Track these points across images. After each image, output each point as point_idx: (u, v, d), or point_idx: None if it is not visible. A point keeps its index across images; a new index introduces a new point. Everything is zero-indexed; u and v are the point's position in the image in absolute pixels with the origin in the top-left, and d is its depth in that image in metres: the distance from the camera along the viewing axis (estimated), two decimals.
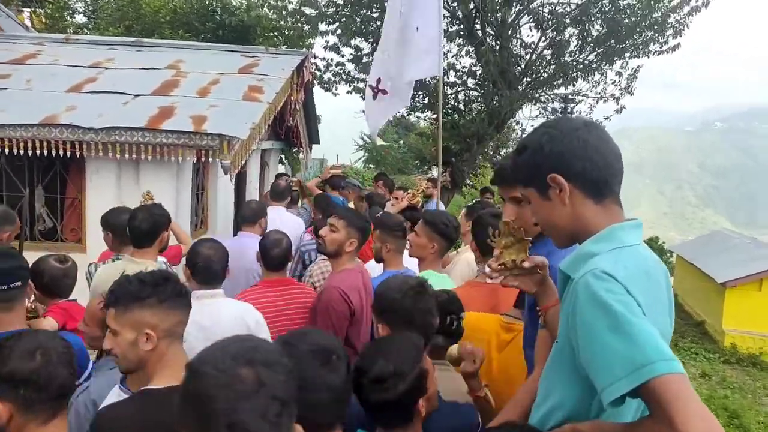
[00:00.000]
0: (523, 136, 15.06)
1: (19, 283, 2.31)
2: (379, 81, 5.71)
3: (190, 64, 7.09)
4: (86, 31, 15.16)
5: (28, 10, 14.92)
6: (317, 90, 13.08)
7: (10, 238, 3.32)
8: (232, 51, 8.17)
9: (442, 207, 7.54)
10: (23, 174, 5.44)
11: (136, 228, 3.17)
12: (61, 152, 4.99)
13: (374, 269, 3.95)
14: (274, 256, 3.26)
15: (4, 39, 7.65)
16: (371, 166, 25.64)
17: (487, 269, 1.81)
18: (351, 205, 6.51)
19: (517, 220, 1.67)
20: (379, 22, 12.49)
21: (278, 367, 1.12)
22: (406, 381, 1.64)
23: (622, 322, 1.19)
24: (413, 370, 1.66)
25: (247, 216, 4.33)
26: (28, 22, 14.39)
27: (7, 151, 4.98)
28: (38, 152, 4.96)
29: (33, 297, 2.78)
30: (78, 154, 5.06)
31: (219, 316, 2.75)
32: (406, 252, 4.21)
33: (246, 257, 3.85)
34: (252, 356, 1.10)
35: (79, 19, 16.57)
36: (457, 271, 4.06)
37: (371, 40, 12.32)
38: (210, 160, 5.26)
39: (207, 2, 14.18)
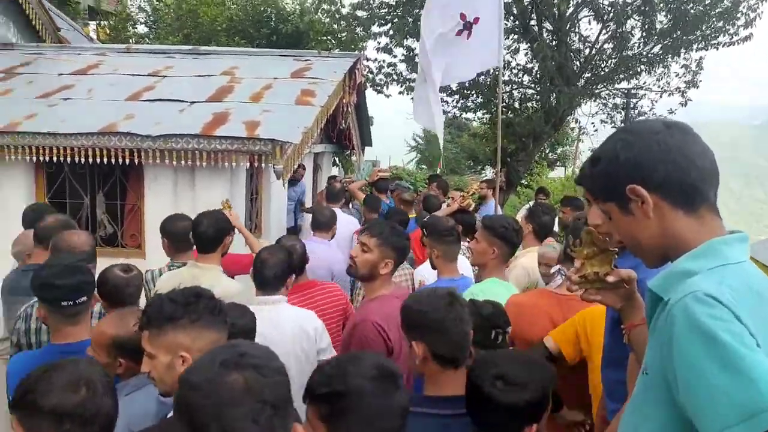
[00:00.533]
0: (582, 133, 14.61)
1: (84, 298, 2.33)
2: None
3: (244, 70, 7.15)
4: (147, 40, 15.71)
5: (94, 22, 15.58)
6: (369, 92, 13.09)
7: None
8: (285, 56, 8.19)
9: (498, 209, 7.32)
10: (85, 181, 5.59)
11: (202, 234, 3.18)
12: (120, 160, 5.09)
13: (430, 275, 3.83)
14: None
15: (69, 51, 7.94)
16: (424, 167, 25.50)
17: (559, 279, 1.66)
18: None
19: (603, 226, 1.44)
20: None
21: (267, 370, 1.14)
22: (537, 390, 1.65)
23: (732, 356, 1.00)
24: (545, 384, 1.68)
25: (321, 222, 4.51)
26: (93, 35, 15.05)
27: (68, 159, 5.11)
28: (98, 160, 5.08)
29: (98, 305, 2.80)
30: (136, 161, 5.15)
31: (278, 323, 2.70)
32: (464, 259, 4.07)
33: (318, 261, 3.96)
34: (240, 361, 1.13)
35: (141, 29, 17.20)
36: (513, 277, 3.86)
37: None
38: (263, 165, 5.25)
39: (261, 9, 14.43)
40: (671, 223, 1.23)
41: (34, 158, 5.16)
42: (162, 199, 5.39)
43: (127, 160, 5.11)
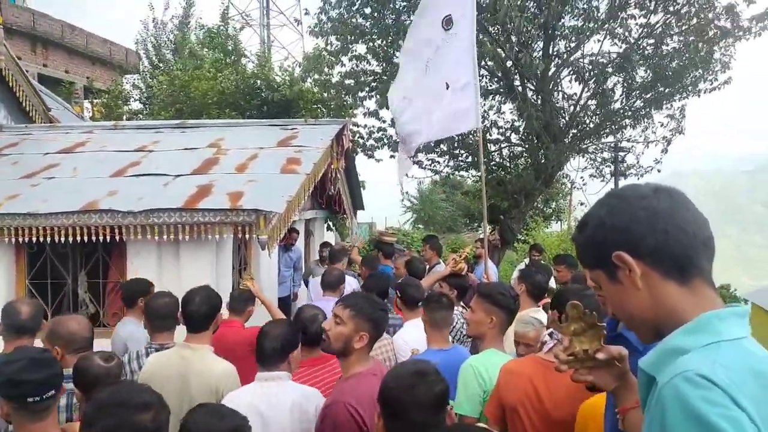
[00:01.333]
0: (573, 187, 14.67)
1: (52, 392, 2.18)
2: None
3: (230, 141, 7.19)
4: (141, 116, 16.01)
5: (87, 101, 15.92)
6: (361, 156, 13.21)
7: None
8: (272, 125, 8.28)
9: (492, 266, 7.20)
10: (67, 260, 5.49)
11: (195, 312, 3.04)
12: (101, 237, 5.01)
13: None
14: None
15: (57, 130, 8.01)
16: (420, 226, 25.49)
17: (551, 343, 1.53)
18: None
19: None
20: None
21: None
22: None
23: None
24: None
25: (330, 282, 4.62)
26: (87, 113, 15.35)
27: (50, 239, 5.03)
28: (79, 238, 4.99)
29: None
30: (118, 238, 5.06)
31: (277, 402, 2.53)
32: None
33: None
34: None
35: (135, 105, 17.57)
36: (507, 342, 3.71)
37: None
38: (248, 235, 5.17)
39: (252, 81, 14.74)
40: (662, 295, 1.14)
41: (15, 239, 5.07)
42: (145, 276, 5.24)
43: (109, 237, 5.02)
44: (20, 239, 5.08)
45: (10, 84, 8.22)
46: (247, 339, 3.45)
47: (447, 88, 5.24)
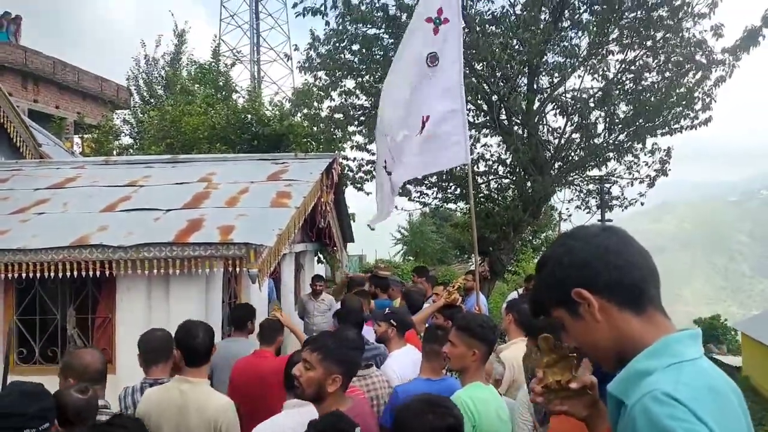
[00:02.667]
0: (561, 219, 14.85)
1: (46, 425, 2.21)
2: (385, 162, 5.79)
3: (221, 175, 7.26)
4: (131, 151, 16.08)
5: (77, 136, 15.98)
6: (350, 189, 13.33)
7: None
8: (263, 160, 8.37)
9: (482, 300, 7.23)
10: (56, 296, 5.48)
11: (199, 345, 3.04)
12: (91, 272, 5.02)
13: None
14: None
15: (48, 165, 8.05)
16: (410, 258, 25.52)
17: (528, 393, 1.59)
18: (397, 303, 6.35)
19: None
20: None
21: None
22: None
23: None
24: None
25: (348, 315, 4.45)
26: (78, 148, 15.40)
27: (39, 274, 5.03)
28: (68, 274, 4.99)
29: None
30: (108, 273, 5.07)
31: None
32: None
33: None
34: None
35: (125, 140, 17.67)
36: (497, 372, 3.74)
37: None
38: (239, 269, 5.19)
39: (242, 116, 14.92)
40: (621, 325, 1.23)
41: (3, 275, 5.07)
42: (135, 312, 5.27)
43: (99, 273, 5.03)
44: (9, 275, 5.07)
45: (1, 120, 8.30)
46: (278, 368, 3.47)
47: (425, 123, 5.29)
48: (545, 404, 1.53)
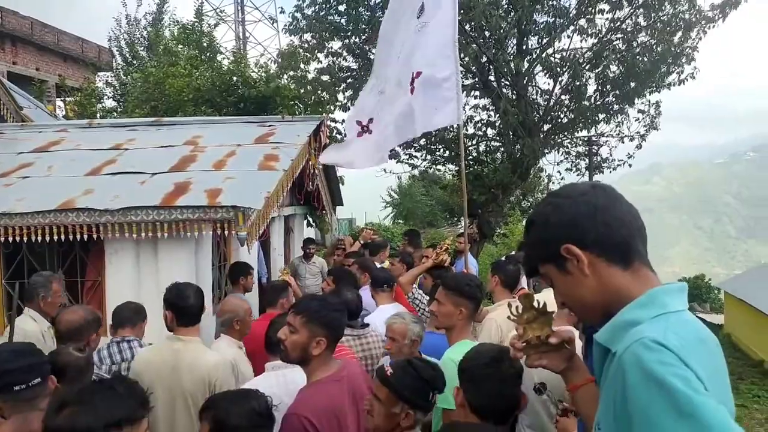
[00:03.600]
0: (550, 182, 14.93)
1: (38, 380, 2.22)
2: (370, 121, 5.64)
3: (207, 138, 7.18)
4: (115, 114, 15.81)
5: (59, 99, 15.65)
6: None
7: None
8: (249, 122, 8.28)
9: (472, 261, 7.29)
10: (44, 260, 5.45)
11: (192, 306, 3.14)
12: (79, 236, 4.99)
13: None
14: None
15: (30, 129, 7.90)
16: (400, 221, 25.59)
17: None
18: (386, 265, 6.42)
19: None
20: None
21: None
22: None
23: (684, 403, 1.02)
24: None
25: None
26: (60, 112, 15.11)
27: (26, 238, 5.00)
28: (56, 237, 4.97)
29: None
30: (96, 236, 5.05)
31: (295, 389, 2.53)
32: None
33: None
34: None
35: (109, 103, 17.34)
36: (485, 332, 3.80)
37: None
38: (227, 232, 5.19)
39: (228, 78, 14.65)
40: (609, 279, 1.26)
41: None
42: (124, 273, 5.27)
43: (86, 236, 5.01)
44: None
45: None
46: None
47: (414, 80, 5.18)
48: (525, 359, 1.58)
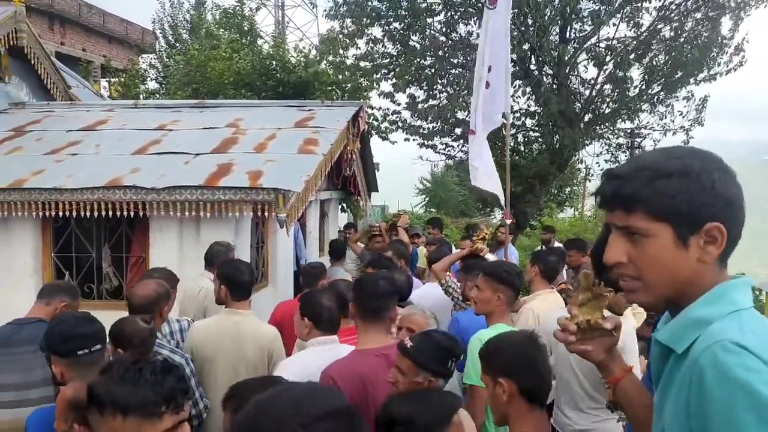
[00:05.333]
0: (589, 174, 14.64)
1: (99, 346, 2.35)
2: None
3: (248, 121, 7.27)
4: (157, 96, 16.12)
5: (105, 80, 16.04)
6: (375, 139, 13.27)
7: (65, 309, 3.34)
8: (289, 106, 8.35)
9: (513, 251, 7.25)
10: (91, 235, 5.64)
11: (246, 281, 3.28)
12: (125, 213, 5.14)
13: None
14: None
15: (78, 108, 8.14)
16: (432, 210, 25.51)
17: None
18: (422, 252, 6.50)
19: (627, 266, 1.21)
20: (432, 70, 12.61)
21: None
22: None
23: None
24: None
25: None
26: (104, 92, 15.50)
27: (75, 213, 5.17)
28: (104, 213, 5.12)
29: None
30: (141, 213, 5.19)
31: None
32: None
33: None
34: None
35: (151, 85, 17.68)
36: (522, 321, 3.79)
37: (425, 87, 12.40)
38: (267, 214, 5.27)
39: (267, 62, 14.77)
40: (706, 269, 1.15)
41: (42, 214, 5.22)
42: (167, 251, 5.41)
43: (132, 213, 5.15)
44: (46, 213, 5.22)
45: (32, 62, 8.34)
46: None
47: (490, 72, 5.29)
48: (569, 342, 1.47)
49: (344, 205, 11.58)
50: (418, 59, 12.27)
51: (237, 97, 12.98)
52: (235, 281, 3.24)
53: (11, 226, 5.46)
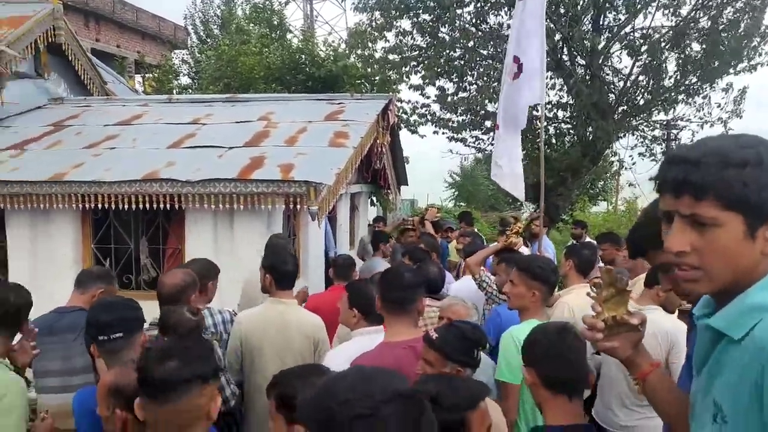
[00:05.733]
0: (623, 167, 14.36)
1: (120, 334, 2.36)
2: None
3: (279, 114, 7.34)
4: (190, 91, 16.38)
5: (139, 75, 16.35)
6: (404, 132, 13.24)
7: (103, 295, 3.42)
8: (319, 100, 8.39)
9: (549, 244, 7.16)
10: (129, 227, 5.77)
11: (290, 271, 3.36)
12: (162, 205, 5.24)
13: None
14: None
15: (114, 103, 8.32)
16: (462, 204, 25.40)
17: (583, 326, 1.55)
18: (453, 245, 6.48)
19: (690, 255, 1.17)
20: (462, 61, 12.51)
21: None
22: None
23: None
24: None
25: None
26: (139, 87, 15.82)
27: (113, 206, 5.29)
28: (141, 206, 5.23)
29: None
30: (177, 206, 5.28)
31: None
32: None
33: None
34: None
35: (184, 80, 17.97)
36: (557, 316, 3.75)
37: (455, 79, 12.31)
38: (299, 206, 5.32)
39: (297, 57, 14.87)
40: (766, 260, 1.13)
41: (81, 206, 5.36)
42: (202, 242, 5.50)
43: (169, 205, 5.25)
44: (86, 206, 5.36)
45: (70, 58, 8.56)
46: None
47: (517, 65, 5.24)
48: (596, 340, 1.46)
49: (373, 198, 11.61)
50: (448, 51, 12.19)
51: (267, 92, 13.09)
52: (280, 271, 3.30)
53: (52, 218, 5.62)
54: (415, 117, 13.34)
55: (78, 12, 19.31)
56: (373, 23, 13.02)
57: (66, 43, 8.34)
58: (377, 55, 13.89)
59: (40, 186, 5.30)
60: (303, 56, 14.89)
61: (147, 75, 16.59)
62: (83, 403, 2.28)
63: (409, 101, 13.49)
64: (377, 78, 14.58)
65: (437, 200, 25.20)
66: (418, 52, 12.60)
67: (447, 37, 12.48)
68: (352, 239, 8.98)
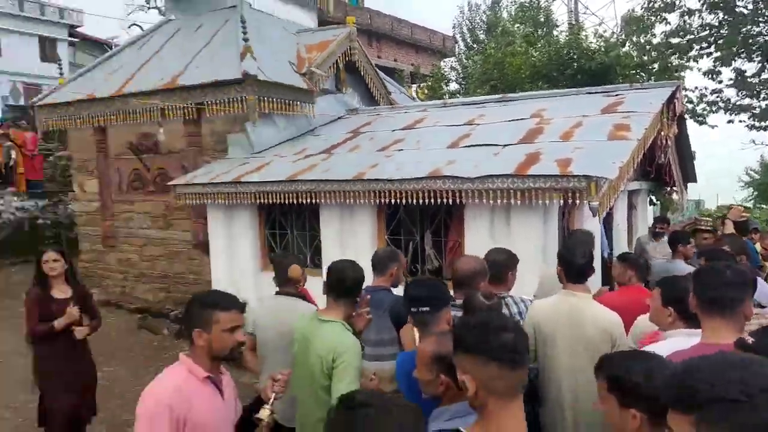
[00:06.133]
0: None
1: (427, 309, 2.68)
2: None
3: (551, 111, 7.26)
4: (458, 95, 17.21)
5: (414, 85, 17.78)
6: (690, 123, 11.88)
7: (397, 273, 3.92)
8: (593, 93, 8.05)
9: None
10: (416, 220, 6.35)
11: (580, 265, 3.36)
12: (444, 200, 5.64)
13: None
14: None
15: (398, 110, 9.22)
16: (763, 206, 21.66)
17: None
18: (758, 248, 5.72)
19: None
20: (766, 38, 10.72)
21: None
22: None
23: None
24: None
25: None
26: (414, 95, 17.21)
27: (402, 201, 5.88)
28: (426, 201, 5.71)
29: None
30: (458, 201, 5.63)
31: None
32: None
33: None
34: None
35: (452, 86, 18.95)
36: None
37: (758, 58, 10.60)
38: (576, 202, 5.20)
39: (564, 52, 14.47)
40: None
41: (377, 201, 6.08)
42: (480, 237, 5.76)
43: (450, 201, 5.63)
44: (381, 201, 6.06)
45: (361, 73, 9.82)
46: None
47: None
48: None
49: (653, 197, 10.66)
50: (750, 26, 10.55)
51: (534, 90, 13.03)
52: (568, 262, 3.34)
53: (357, 212, 6.52)
54: (703, 105, 11.87)
55: (362, 33, 21.84)
56: (653, 5, 11.96)
57: (359, 60, 9.58)
58: (655, 41, 12.72)
59: (346, 184, 6.17)
60: (571, 51, 14.43)
61: (421, 84, 17.96)
62: (402, 365, 2.62)
63: (696, 88, 12.08)
64: (655, 66, 13.35)
65: (731, 201, 21.91)
66: (708, 31, 11.18)
67: (745, 11, 10.82)
68: (630, 239, 8.42)
